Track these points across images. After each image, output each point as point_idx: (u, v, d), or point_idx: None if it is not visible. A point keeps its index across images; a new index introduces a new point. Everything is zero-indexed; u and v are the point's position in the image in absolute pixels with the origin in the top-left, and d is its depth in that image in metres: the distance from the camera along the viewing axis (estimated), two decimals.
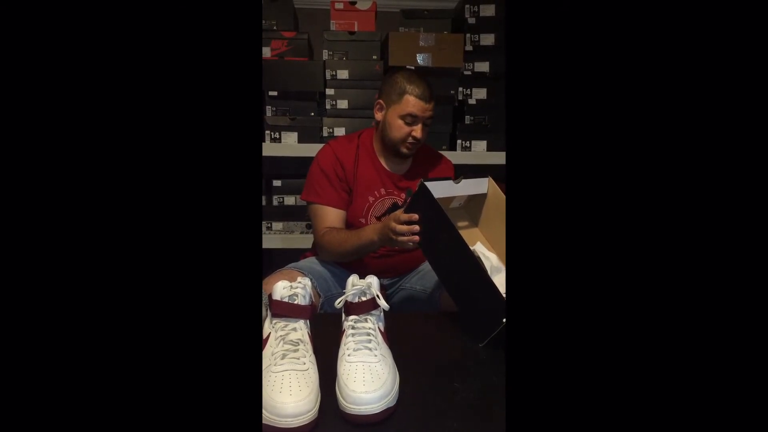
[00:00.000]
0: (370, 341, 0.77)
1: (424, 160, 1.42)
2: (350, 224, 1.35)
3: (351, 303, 0.83)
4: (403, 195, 1.36)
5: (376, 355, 0.75)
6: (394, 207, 1.35)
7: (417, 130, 1.28)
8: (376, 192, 1.35)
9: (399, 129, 1.29)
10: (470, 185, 1.21)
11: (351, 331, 0.80)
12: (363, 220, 1.35)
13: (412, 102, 1.27)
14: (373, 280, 0.86)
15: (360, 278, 0.87)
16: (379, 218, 1.35)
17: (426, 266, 1.37)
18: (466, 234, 1.09)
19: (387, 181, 1.36)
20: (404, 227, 1.05)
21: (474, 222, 1.27)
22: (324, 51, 1.94)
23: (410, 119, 1.28)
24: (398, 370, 0.78)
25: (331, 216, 1.32)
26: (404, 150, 1.31)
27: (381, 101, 1.33)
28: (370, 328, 0.80)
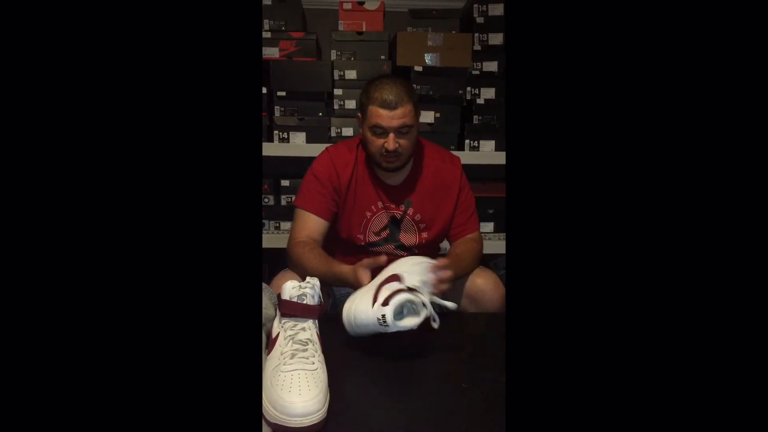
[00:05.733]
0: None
1: (424, 165, 1.32)
2: (347, 240, 1.31)
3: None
4: (402, 207, 1.31)
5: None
6: (393, 221, 1.30)
7: (389, 142, 1.17)
8: (373, 206, 1.29)
9: (371, 143, 1.20)
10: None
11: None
12: (361, 237, 1.30)
13: (375, 112, 1.17)
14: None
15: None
16: (377, 233, 1.31)
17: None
18: None
19: (384, 195, 1.29)
20: None
21: None
22: (332, 51, 1.94)
23: (379, 130, 1.18)
24: (406, 370, 0.78)
25: (312, 224, 1.25)
26: (384, 164, 1.22)
27: (359, 114, 1.25)
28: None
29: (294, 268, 1.24)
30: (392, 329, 0.83)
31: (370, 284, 0.96)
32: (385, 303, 0.83)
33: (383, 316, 0.82)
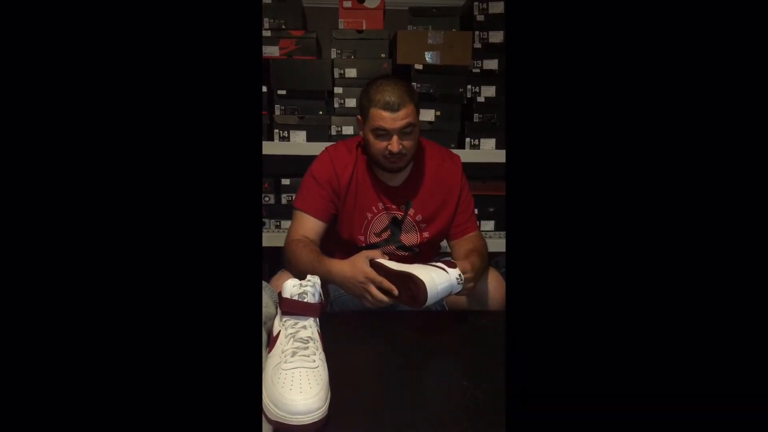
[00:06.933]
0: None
1: (425, 165, 1.31)
2: (348, 241, 1.31)
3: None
4: (402, 207, 1.30)
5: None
6: (394, 222, 1.30)
7: (392, 144, 1.16)
8: (373, 207, 1.29)
9: (374, 145, 1.19)
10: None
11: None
12: (362, 238, 1.30)
13: (377, 115, 1.16)
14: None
15: None
16: (378, 234, 1.31)
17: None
18: None
19: (384, 196, 1.29)
20: (384, 297, 1.05)
21: None
22: (332, 50, 1.94)
23: (382, 133, 1.17)
24: (407, 368, 0.78)
25: (309, 225, 1.26)
26: (387, 165, 1.22)
27: (359, 117, 1.24)
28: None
29: (288, 265, 1.24)
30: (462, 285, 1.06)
31: (419, 266, 1.07)
32: (452, 267, 1.06)
33: (460, 275, 1.05)
